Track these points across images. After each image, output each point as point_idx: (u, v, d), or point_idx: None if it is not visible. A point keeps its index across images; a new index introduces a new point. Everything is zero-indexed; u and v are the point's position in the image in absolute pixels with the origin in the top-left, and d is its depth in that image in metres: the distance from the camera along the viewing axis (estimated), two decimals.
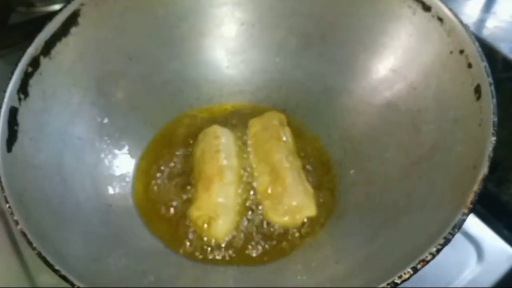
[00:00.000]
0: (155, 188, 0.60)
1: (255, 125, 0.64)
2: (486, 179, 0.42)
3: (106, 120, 0.61)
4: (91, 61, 0.60)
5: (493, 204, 0.66)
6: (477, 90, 0.48)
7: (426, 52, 0.55)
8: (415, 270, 0.40)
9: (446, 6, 0.53)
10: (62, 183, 0.53)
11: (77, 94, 0.58)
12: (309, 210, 0.56)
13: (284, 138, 0.61)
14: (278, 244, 0.55)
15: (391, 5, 0.57)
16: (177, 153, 0.63)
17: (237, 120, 0.66)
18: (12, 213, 0.44)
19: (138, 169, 0.62)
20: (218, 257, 0.54)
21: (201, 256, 0.54)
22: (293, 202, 0.55)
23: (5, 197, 0.45)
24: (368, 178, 0.57)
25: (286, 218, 0.55)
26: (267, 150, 0.60)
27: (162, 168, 0.62)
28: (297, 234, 0.55)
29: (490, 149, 0.43)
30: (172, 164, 0.62)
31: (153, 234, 0.56)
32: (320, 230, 0.55)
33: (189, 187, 0.59)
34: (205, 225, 0.55)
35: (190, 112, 0.67)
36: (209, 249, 0.55)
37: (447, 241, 0.40)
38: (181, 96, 0.67)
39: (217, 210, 0.55)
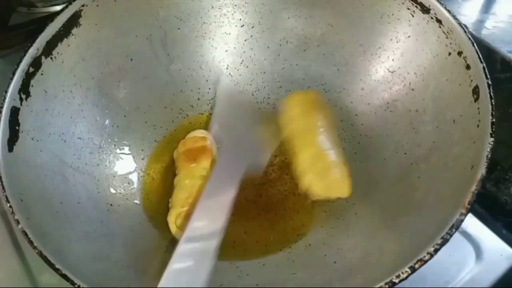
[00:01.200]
0: (156, 188, 0.60)
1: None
2: (484, 179, 0.42)
3: (107, 120, 0.61)
4: (93, 61, 0.60)
5: (491, 204, 0.66)
6: (475, 91, 0.48)
7: (424, 53, 0.55)
8: (413, 269, 0.40)
9: (445, 7, 0.53)
10: (63, 182, 0.53)
11: (79, 94, 0.58)
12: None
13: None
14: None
15: (390, 7, 0.58)
16: None
17: None
18: (13, 213, 0.44)
19: (139, 169, 0.62)
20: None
21: None
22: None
23: (6, 197, 0.45)
24: (366, 178, 0.57)
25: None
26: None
27: (164, 168, 0.62)
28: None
29: (488, 150, 0.44)
30: (172, 165, 0.62)
31: (154, 234, 0.56)
32: (319, 230, 0.56)
33: None
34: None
35: (191, 112, 0.67)
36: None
37: (445, 241, 0.40)
38: (181, 97, 0.67)
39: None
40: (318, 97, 0.62)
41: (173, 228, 0.56)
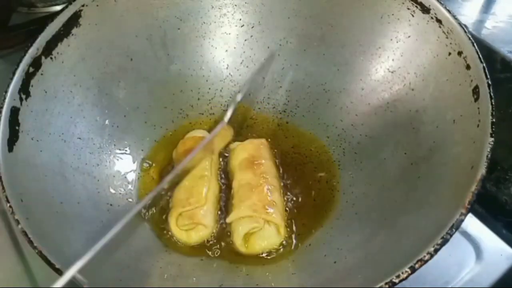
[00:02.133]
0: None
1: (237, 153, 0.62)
2: (484, 179, 0.42)
3: (107, 120, 0.61)
4: (93, 61, 0.60)
5: (491, 204, 0.66)
6: (475, 91, 0.48)
7: (424, 53, 0.55)
8: (413, 269, 0.40)
9: (445, 7, 0.53)
10: (63, 182, 0.53)
11: (79, 94, 0.58)
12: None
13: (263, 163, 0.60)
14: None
15: (390, 7, 0.58)
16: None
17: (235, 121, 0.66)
18: (13, 213, 0.44)
19: (139, 169, 0.62)
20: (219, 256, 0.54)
21: (202, 256, 0.54)
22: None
23: (6, 197, 0.45)
24: (367, 178, 0.57)
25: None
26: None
27: (164, 168, 0.62)
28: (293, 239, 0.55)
29: (488, 150, 0.44)
30: (172, 164, 0.62)
31: (154, 234, 0.56)
32: (319, 230, 0.56)
33: None
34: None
35: (191, 112, 0.67)
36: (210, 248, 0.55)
37: (445, 241, 0.40)
38: (181, 97, 0.67)
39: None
40: (267, 144, 0.62)
41: (173, 228, 0.56)
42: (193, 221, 0.55)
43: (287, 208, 0.58)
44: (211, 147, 0.60)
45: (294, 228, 0.56)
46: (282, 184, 0.60)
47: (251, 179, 0.57)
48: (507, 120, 0.63)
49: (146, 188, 0.60)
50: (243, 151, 0.61)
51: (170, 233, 0.56)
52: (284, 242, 0.55)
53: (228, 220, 0.55)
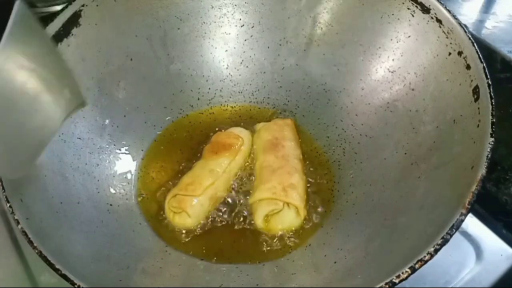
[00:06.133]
0: (156, 187, 0.60)
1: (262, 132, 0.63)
2: (484, 179, 0.42)
3: (107, 120, 0.61)
4: (92, 61, 0.60)
5: (492, 204, 0.66)
6: (475, 91, 0.48)
7: (425, 53, 0.55)
8: (413, 269, 0.40)
9: (445, 7, 0.53)
10: (63, 182, 0.53)
11: None
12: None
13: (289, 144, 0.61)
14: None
15: (390, 7, 0.58)
16: (178, 153, 0.63)
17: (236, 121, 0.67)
18: (13, 213, 0.44)
19: (139, 169, 0.62)
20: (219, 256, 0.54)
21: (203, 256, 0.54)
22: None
23: (6, 197, 0.45)
24: (367, 178, 0.57)
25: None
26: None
27: (163, 168, 0.62)
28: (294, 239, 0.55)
29: (488, 150, 0.44)
30: (172, 164, 0.62)
31: (154, 233, 0.56)
32: (319, 230, 0.56)
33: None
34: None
35: (191, 112, 0.67)
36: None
37: (445, 241, 0.40)
38: (181, 97, 0.67)
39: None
40: (292, 124, 0.64)
41: (166, 205, 0.57)
42: (180, 205, 0.56)
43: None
44: (237, 149, 0.60)
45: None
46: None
47: (273, 161, 0.59)
48: (507, 120, 0.63)
49: (146, 188, 0.60)
50: (267, 132, 0.63)
51: (171, 232, 0.56)
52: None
53: (250, 201, 0.58)
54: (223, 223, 0.57)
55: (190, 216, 0.56)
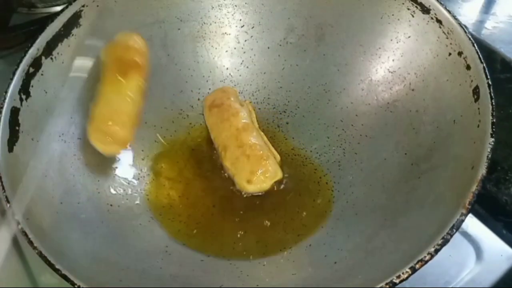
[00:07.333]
0: (156, 187, 0.60)
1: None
2: (485, 179, 0.42)
3: None
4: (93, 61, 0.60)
5: (492, 204, 0.66)
6: (476, 91, 0.48)
7: (425, 53, 0.55)
8: (414, 270, 0.40)
9: (445, 8, 0.54)
10: (63, 183, 0.53)
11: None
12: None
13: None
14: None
15: (390, 7, 0.58)
16: (178, 153, 0.64)
17: None
18: (13, 213, 0.44)
19: (139, 169, 0.62)
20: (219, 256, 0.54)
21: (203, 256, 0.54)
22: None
23: (6, 197, 0.45)
24: (367, 179, 0.57)
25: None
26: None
27: (163, 168, 0.62)
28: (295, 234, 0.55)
29: (489, 150, 0.44)
30: (172, 165, 0.62)
31: (154, 234, 0.56)
32: (319, 230, 0.56)
33: None
34: None
35: (191, 112, 0.67)
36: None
37: (445, 241, 0.40)
38: (181, 97, 0.67)
39: None
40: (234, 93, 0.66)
41: (94, 142, 0.53)
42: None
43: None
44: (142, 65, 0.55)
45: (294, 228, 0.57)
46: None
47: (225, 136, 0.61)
48: (507, 120, 0.63)
49: (146, 188, 0.60)
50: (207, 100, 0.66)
51: (171, 232, 0.56)
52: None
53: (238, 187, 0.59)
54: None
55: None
